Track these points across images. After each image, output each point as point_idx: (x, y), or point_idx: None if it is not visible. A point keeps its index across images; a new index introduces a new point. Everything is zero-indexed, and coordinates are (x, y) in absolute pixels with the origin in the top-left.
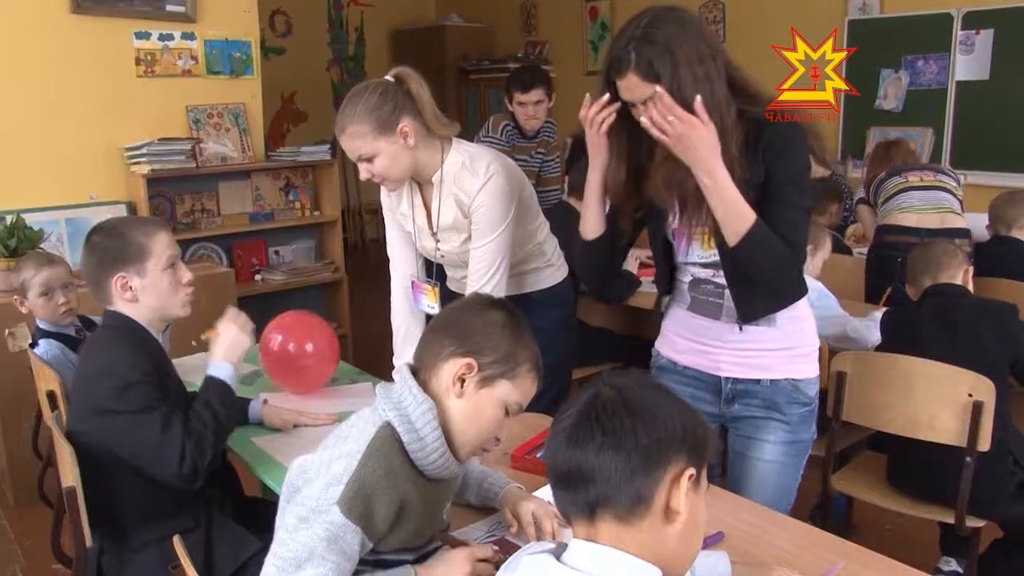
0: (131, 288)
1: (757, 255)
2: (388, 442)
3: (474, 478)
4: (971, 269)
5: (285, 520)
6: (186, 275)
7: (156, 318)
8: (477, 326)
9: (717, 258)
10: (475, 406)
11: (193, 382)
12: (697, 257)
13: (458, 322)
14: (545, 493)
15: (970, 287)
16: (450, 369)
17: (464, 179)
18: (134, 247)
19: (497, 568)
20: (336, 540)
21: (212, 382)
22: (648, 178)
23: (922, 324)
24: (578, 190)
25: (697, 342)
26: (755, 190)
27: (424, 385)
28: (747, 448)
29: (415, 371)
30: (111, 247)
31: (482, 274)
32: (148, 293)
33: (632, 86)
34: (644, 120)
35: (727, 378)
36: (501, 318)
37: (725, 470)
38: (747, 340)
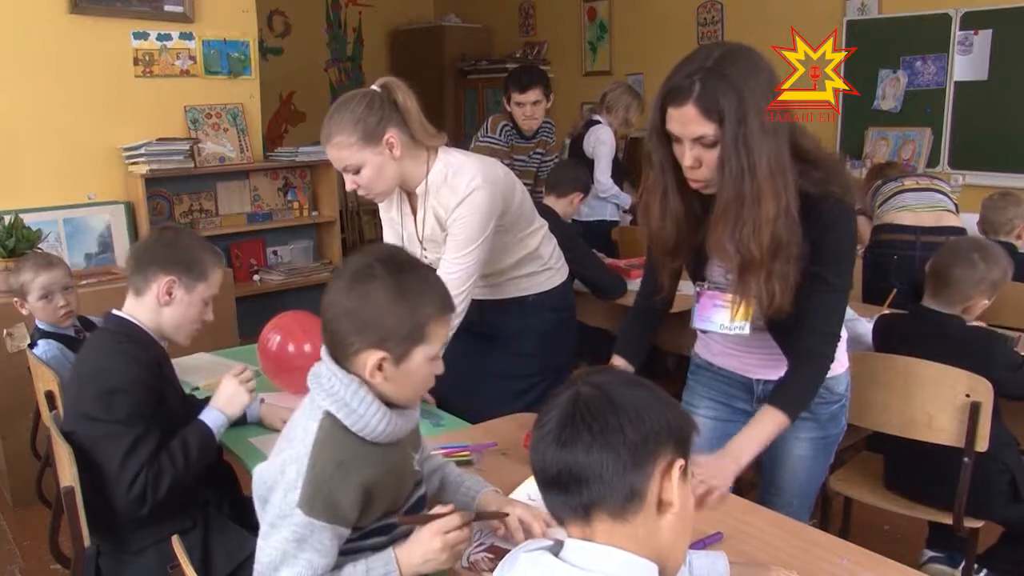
0: (171, 295)
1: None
2: (332, 433)
3: (451, 484)
4: (988, 303)
5: (262, 527)
6: (209, 316)
7: (163, 331)
8: (369, 313)
9: (740, 331)
10: (401, 380)
11: (189, 381)
12: (717, 327)
13: (351, 312)
14: (521, 493)
15: (971, 316)
16: (364, 362)
17: (443, 193)
18: (200, 266)
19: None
20: (304, 540)
21: (201, 427)
22: (704, 229)
23: (910, 338)
24: (556, 190)
25: (728, 347)
26: (805, 266)
27: (346, 366)
28: (778, 442)
29: (334, 356)
30: (183, 253)
31: (453, 286)
32: (178, 308)
33: (688, 119)
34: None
35: (758, 379)
36: (385, 289)
37: (758, 461)
38: (775, 346)
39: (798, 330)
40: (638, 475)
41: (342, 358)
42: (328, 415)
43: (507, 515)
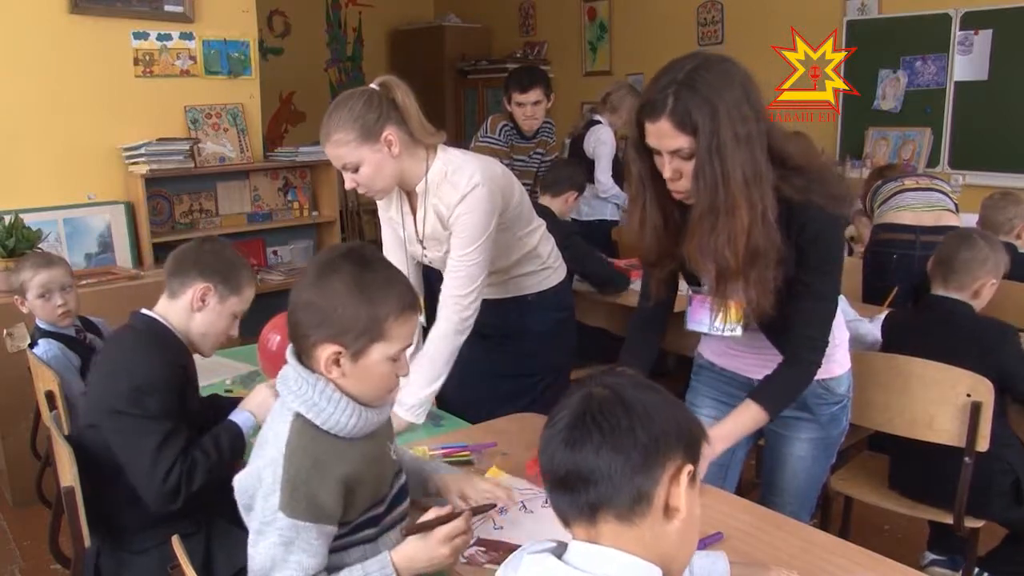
0: (205, 302)
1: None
2: (304, 433)
3: (410, 470)
4: (995, 283)
5: (250, 536)
6: (235, 331)
7: (190, 337)
8: (327, 306)
9: (735, 332)
10: (359, 377)
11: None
12: (713, 329)
13: (310, 303)
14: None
15: (982, 299)
16: (320, 355)
17: (444, 191)
18: (236, 280)
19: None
20: (291, 543)
21: (232, 426)
22: (683, 237)
23: (920, 331)
24: (551, 189)
25: (729, 348)
26: (788, 276)
27: (310, 365)
28: (779, 443)
29: (297, 353)
30: (223, 264)
31: (461, 284)
32: (209, 316)
33: (663, 133)
34: None
35: (758, 380)
36: (345, 283)
37: (759, 461)
38: (772, 347)
39: (787, 334)
40: (647, 478)
41: (303, 354)
42: (298, 416)
43: (495, 506)
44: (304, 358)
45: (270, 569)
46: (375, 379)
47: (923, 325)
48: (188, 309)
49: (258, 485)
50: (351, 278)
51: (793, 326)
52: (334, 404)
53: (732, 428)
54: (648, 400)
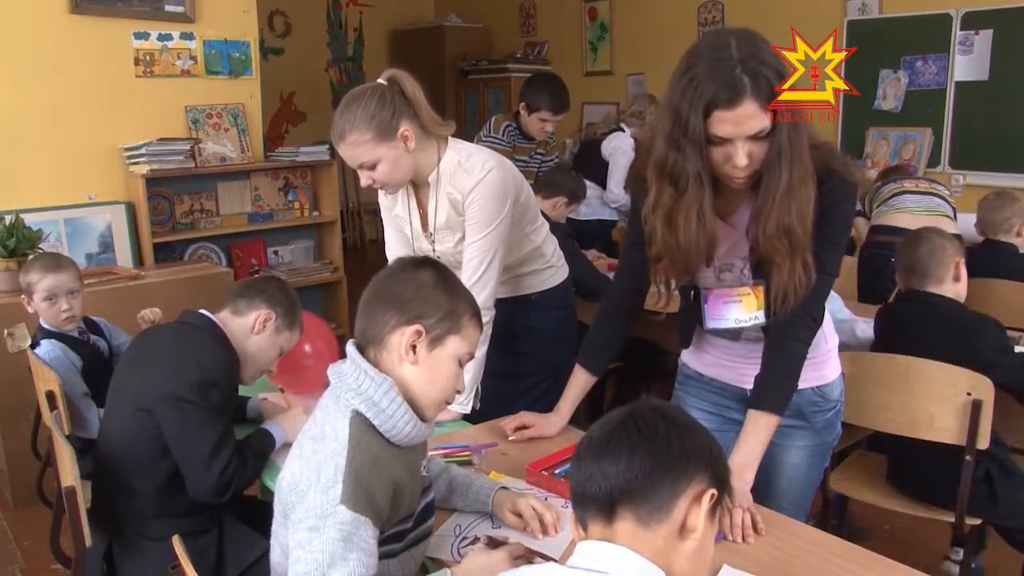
0: (265, 327)
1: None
2: (364, 430)
3: (460, 484)
4: (962, 261)
5: (294, 537)
6: (274, 368)
7: (242, 355)
8: (412, 292)
9: (757, 321)
10: (430, 368)
11: None
12: (733, 323)
13: (393, 292)
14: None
15: (962, 281)
16: (398, 340)
17: (459, 177)
18: (294, 317)
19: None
20: (350, 538)
21: (268, 437)
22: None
23: (906, 324)
24: (543, 191)
25: (721, 357)
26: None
27: (375, 362)
28: (775, 451)
29: (361, 347)
30: (289, 301)
31: (473, 270)
32: (264, 342)
33: (747, 115)
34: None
35: (751, 389)
36: (431, 276)
37: None
38: None
39: (782, 315)
40: (670, 488)
41: (375, 342)
42: (357, 414)
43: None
44: (372, 351)
45: (328, 566)
46: (442, 377)
47: (906, 317)
48: (248, 329)
49: (315, 479)
50: (436, 273)
51: (794, 302)
52: (396, 406)
53: (750, 449)
54: (689, 421)
